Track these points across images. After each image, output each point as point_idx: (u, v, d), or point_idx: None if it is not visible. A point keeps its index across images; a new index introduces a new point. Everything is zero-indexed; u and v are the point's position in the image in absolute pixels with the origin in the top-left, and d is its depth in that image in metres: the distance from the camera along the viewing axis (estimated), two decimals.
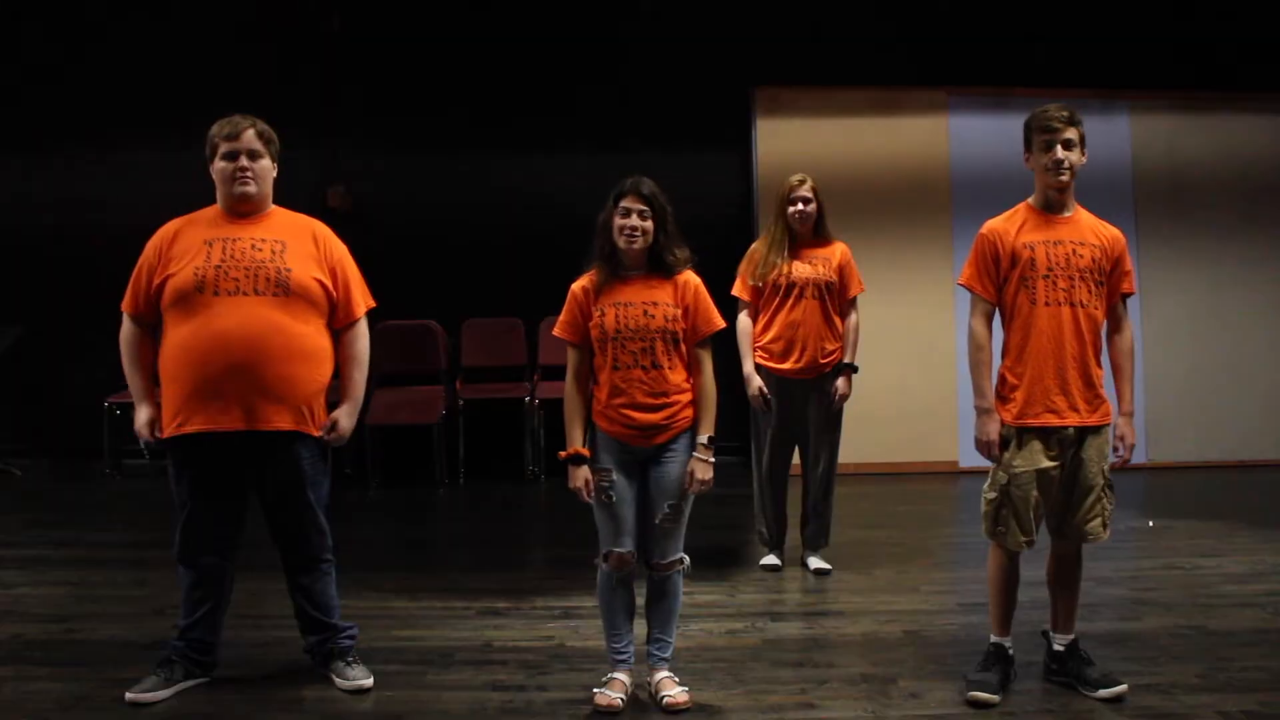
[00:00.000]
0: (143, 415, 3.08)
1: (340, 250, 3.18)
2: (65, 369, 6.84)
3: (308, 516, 3.12)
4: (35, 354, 6.83)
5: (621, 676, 3.03)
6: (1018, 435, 3.00)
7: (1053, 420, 2.97)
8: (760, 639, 3.59)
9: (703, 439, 2.97)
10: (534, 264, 6.83)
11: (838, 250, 4.34)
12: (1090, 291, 2.99)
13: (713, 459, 2.98)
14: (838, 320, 4.34)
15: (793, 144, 6.79)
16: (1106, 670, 3.07)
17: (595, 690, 3.01)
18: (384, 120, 7.09)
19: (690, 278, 3.01)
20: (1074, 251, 2.98)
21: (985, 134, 6.80)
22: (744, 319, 4.36)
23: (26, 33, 6.99)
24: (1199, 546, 4.79)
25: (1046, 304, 2.97)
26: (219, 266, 2.96)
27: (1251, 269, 7.02)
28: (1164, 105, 7.01)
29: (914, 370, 6.79)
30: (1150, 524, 5.24)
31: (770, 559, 4.46)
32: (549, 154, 7.12)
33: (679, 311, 2.97)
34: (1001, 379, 3.06)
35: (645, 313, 2.94)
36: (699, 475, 2.95)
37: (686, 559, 3.07)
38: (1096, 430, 3.01)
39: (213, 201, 3.13)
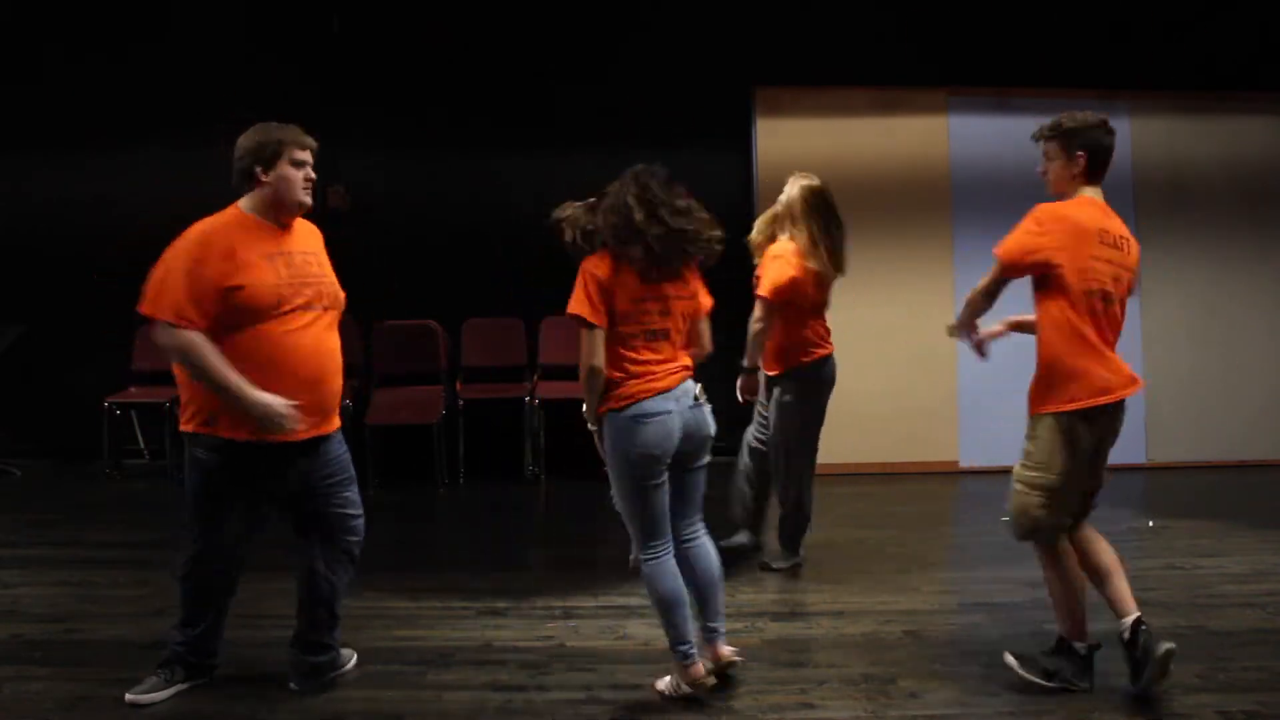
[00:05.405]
0: (277, 402, 2.81)
1: None
2: (65, 369, 6.83)
3: (354, 506, 3.16)
4: (35, 354, 6.81)
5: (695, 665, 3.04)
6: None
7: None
8: (760, 639, 3.59)
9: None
10: (534, 264, 6.80)
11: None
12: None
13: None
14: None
15: (793, 144, 6.78)
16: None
17: (678, 671, 3.02)
18: (384, 120, 7.07)
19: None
20: None
21: (985, 134, 6.79)
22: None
23: (28, 33, 6.99)
24: (1199, 546, 4.78)
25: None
26: (290, 283, 2.92)
27: (1251, 269, 7.01)
28: (1164, 105, 6.99)
29: (914, 370, 6.78)
30: (1150, 524, 5.23)
31: (744, 538, 4.63)
32: (549, 153, 7.10)
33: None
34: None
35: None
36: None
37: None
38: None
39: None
